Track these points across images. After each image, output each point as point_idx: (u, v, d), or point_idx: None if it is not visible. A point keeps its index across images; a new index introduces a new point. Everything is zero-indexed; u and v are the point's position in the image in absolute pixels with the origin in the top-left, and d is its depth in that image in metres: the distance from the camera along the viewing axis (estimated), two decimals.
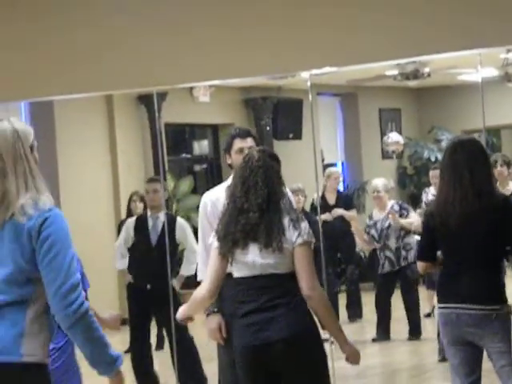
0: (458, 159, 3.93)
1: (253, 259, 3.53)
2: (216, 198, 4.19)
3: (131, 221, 6.88)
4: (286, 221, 3.54)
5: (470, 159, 3.94)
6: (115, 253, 7.02)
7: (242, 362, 3.57)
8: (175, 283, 6.58)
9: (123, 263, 6.90)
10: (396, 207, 8.05)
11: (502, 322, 3.85)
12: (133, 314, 6.66)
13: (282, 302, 3.51)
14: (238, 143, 4.23)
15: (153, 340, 7.22)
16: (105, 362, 2.76)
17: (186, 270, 6.62)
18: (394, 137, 10.79)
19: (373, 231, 8.07)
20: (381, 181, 8.21)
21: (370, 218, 8.19)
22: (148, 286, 6.50)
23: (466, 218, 3.87)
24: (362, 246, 8.57)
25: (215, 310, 4.01)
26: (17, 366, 2.71)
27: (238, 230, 3.54)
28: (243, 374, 3.58)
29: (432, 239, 4.00)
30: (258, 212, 3.53)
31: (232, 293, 3.67)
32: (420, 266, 4.08)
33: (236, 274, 3.60)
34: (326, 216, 8.64)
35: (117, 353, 2.79)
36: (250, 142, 4.24)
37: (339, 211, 8.87)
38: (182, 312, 3.71)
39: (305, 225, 3.57)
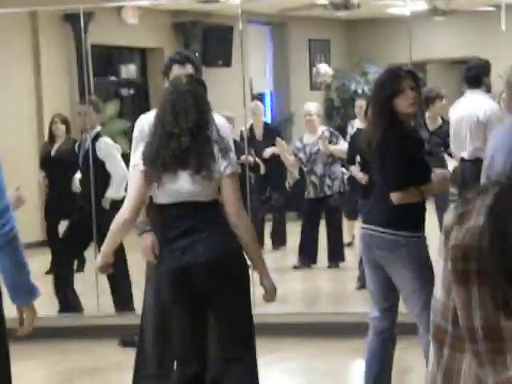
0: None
1: (180, 186, 3.51)
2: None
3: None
4: (215, 149, 3.52)
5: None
6: None
7: (166, 286, 3.59)
8: (104, 205, 6.54)
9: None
10: (327, 133, 8.12)
11: (409, 249, 3.96)
12: (69, 234, 6.66)
13: (204, 226, 3.52)
14: (176, 69, 4.15)
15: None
16: (25, 290, 2.78)
17: (112, 192, 6.52)
18: (322, 68, 10.81)
19: (301, 154, 8.13)
20: (314, 105, 8.27)
21: (301, 141, 8.24)
22: (81, 204, 6.50)
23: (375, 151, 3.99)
24: (291, 170, 8.62)
25: (148, 228, 3.97)
26: None
27: (167, 155, 3.49)
28: (168, 297, 3.61)
29: None
30: (189, 137, 3.48)
31: (158, 219, 3.66)
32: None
33: (160, 200, 3.58)
34: (250, 159, 8.66)
35: (36, 285, 2.81)
36: (189, 68, 4.16)
37: (269, 150, 8.91)
38: (101, 258, 3.66)
39: (233, 155, 3.57)
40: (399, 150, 3.92)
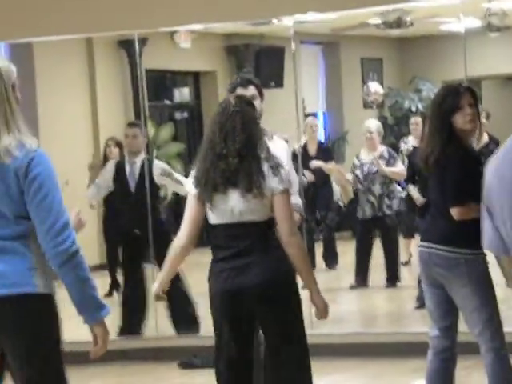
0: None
1: (232, 206, 3.54)
2: None
3: (110, 165, 6.86)
4: (265, 167, 3.54)
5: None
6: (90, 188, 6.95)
7: (216, 306, 3.61)
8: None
9: (95, 195, 6.89)
10: (386, 154, 8.10)
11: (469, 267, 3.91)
12: (126, 258, 6.66)
13: (257, 248, 3.54)
14: (239, 92, 4.20)
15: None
16: (93, 306, 2.78)
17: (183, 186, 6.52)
18: (373, 87, 10.77)
19: (358, 172, 8.12)
20: (374, 122, 8.29)
21: (357, 157, 8.23)
22: (137, 231, 6.50)
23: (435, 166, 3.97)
24: (345, 187, 8.61)
25: None
26: (33, 296, 2.75)
27: (217, 176, 3.53)
28: (218, 318, 3.62)
29: None
30: (237, 157, 3.52)
31: (211, 239, 3.68)
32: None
33: (213, 221, 3.60)
34: (307, 175, 8.72)
35: (105, 302, 2.81)
36: (252, 89, 4.22)
37: (317, 163, 8.91)
38: (158, 285, 3.69)
39: (284, 172, 3.58)
40: (459, 165, 3.90)
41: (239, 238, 3.54)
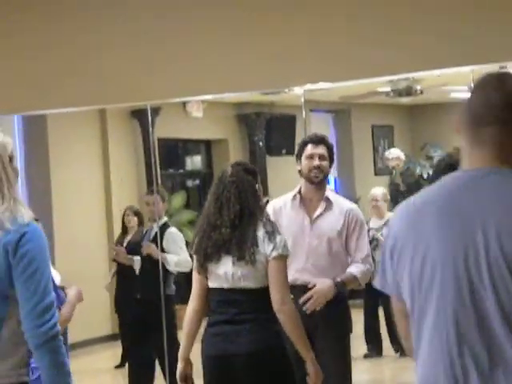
0: None
1: (225, 271, 3.55)
2: (279, 207, 4.26)
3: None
4: (260, 233, 3.53)
5: None
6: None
7: (206, 372, 3.61)
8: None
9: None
10: None
11: None
12: (131, 327, 6.63)
13: (249, 318, 3.52)
14: (309, 149, 4.22)
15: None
16: None
17: (174, 262, 6.47)
18: (395, 152, 10.83)
19: None
20: (380, 190, 8.28)
21: (367, 224, 8.18)
22: (138, 296, 6.47)
23: None
24: None
25: None
26: None
27: (210, 246, 3.56)
28: (207, 382, 3.61)
29: None
30: (230, 228, 3.54)
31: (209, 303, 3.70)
32: None
33: (210, 285, 3.63)
34: None
35: None
36: (321, 149, 4.23)
37: None
38: (180, 364, 3.67)
39: (280, 238, 3.55)
40: None
41: (232, 305, 3.54)
